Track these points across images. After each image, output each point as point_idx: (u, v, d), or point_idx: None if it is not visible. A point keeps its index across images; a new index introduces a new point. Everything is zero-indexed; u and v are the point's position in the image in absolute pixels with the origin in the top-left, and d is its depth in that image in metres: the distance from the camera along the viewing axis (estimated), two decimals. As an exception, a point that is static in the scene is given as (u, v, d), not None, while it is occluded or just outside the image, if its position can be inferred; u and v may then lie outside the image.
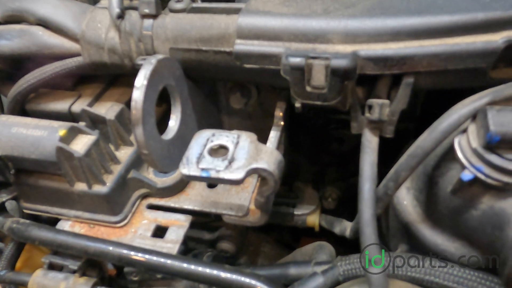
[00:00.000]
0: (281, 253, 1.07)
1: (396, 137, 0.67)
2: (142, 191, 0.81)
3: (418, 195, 0.69)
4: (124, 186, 0.78)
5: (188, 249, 0.97)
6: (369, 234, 0.57)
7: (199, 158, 0.61)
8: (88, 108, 0.79)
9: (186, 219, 0.79)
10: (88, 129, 0.75)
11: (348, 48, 0.61)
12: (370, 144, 0.65)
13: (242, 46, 0.66)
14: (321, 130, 0.95)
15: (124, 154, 0.80)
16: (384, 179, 0.63)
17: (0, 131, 0.74)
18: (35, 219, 0.84)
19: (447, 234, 0.65)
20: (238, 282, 0.65)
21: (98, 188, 0.75)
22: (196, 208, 0.80)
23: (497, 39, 0.57)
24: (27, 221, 0.79)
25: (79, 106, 0.81)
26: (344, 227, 0.84)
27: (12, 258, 0.84)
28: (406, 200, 0.71)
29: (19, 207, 0.86)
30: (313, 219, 0.97)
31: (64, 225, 0.80)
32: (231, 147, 0.63)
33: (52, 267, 0.78)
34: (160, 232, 0.78)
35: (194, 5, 0.72)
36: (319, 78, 0.61)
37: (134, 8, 0.74)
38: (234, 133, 0.65)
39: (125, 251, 0.70)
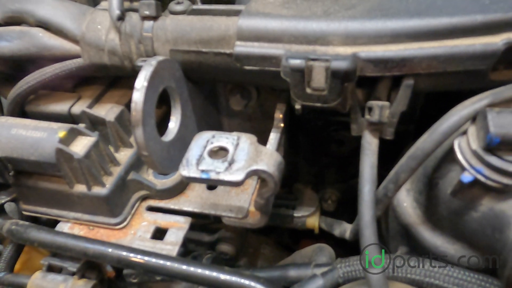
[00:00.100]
0: (280, 255, 1.07)
1: (396, 139, 0.67)
2: (142, 193, 0.81)
3: (418, 197, 0.69)
4: (124, 188, 0.78)
5: (187, 251, 0.97)
6: (369, 235, 0.57)
7: (199, 159, 0.61)
8: (88, 110, 0.79)
9: (185, 221, 0.79)
10: (88, 131, 0.75)
11: (348, 50, 0.61)
12: (370, 146, 0.65)
13: (242, 48, 0.66)
14: (320, 132, 0.95)
15: (124, 155, 0.80)
16: (384, 181, 0.63)
17: (-1, 133, 0.74)
18: (34, 221, 0.84)
19: (447, 236, 0.65)
20: (237, 284, 0.65)
21: (97, 190, 0.75)
22: (196, 210, 0.80)
23: (497, 41, 0.57)
24: (26, 223, 0.79)
25: (79, 107, 0.81)
26: (344, 229, 0.84)
27: (11, 260, 0.84)
28: (406, 202, 0.71)
29: (18, 209, 0.86)
30: (313, 221, 0.96)
31: (63, 227, 0.80)
32: (231, 148, 0.62)
33: (51, 269, 0.78)
34: (159, 234, 0.78)
35: (194, 7, 0.73)
36: (319, 80, 0.61)
37: (135, 10, 0.74)
38: (234, 135, 0.65)
39: (124, 253, 0.70)
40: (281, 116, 0.78)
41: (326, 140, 0.97)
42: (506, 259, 0.53)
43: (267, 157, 0.62)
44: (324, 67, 0.60)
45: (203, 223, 0.99)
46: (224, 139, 0.64)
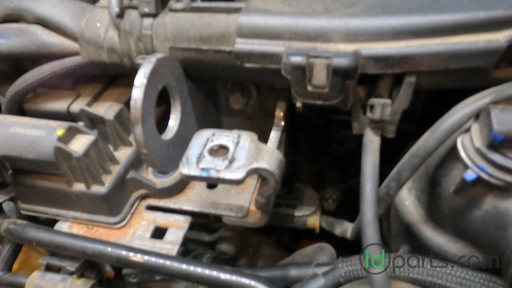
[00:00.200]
0: (281, 254, 1.07)
1: (397, 138, 0.66)
2: (141, 191, 0.81)
3: (420, 195, 0.69)
4: (123, 187, 0.78)
5: (187, 250, 0.97)
6: (371, 234, 0.57)
7: (199, 158, 0.61)
8: (87, 108, 0.78)
9: (185, 220, 0.78)
10: (87, 129, 0.74)
11: (349, 47, 0.61)
12: (371, 144, 0.64)
13: (242, 45, 0.66)
14: (321, 131, 0.95)
15: (123, 154, 0.80)
16: (386, 179, 0.63)
17: (-3, 131, 0.74)
18: (33, 220, 0.83)
19: (450, 234, 0.65)
20: (238, 283, 0.65)
21: (96, 189, 0.74)
22: (196, 209, 0.79)
23: (499, 38, 0.57)
24: (25, 222, 0.79)
25: (77, 106, 0.80)
26: (345, 228, 0.83)
27: (9, 260, 0.84)
28: (408, 201, 0.70)
29: (16, 208, 0.85)
30: (314, 220, 0.96)
31: (62, 226, 0.79)
32: (231, 146, 0.62)
33: (49, 268, 0.77)
34: (159, 233, 0.77)
35: (194, 4, 0.72)
36: (320, 77, 0.60)
37: (134, 7, 0.73)
38: (235, 133, 0.64)
39: (124, 253, 0.69)
40: (281, 114, 0.77)
41: (326, 139, 0.97)
42: (510, 258, 0.53)
43: (268, 155, 0.61)
44: (325, 64, 0.59)
45: (202, 223, 0.98)
46: (224, 137, 0.64)
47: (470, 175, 0.54)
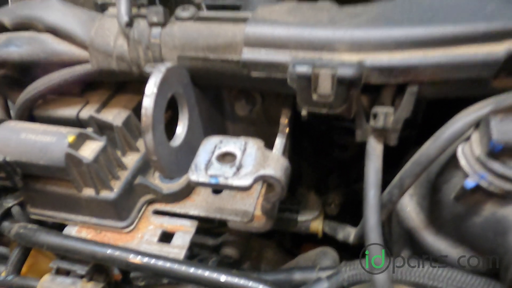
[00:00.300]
0: (283, 258, 1.08)
1: (398, 145, 0.68)
2: (148, 196, 0.82)
3: (422, 202, 0.70)
4: (131, 192, 0.79)
5: (192, 254, 0.98)
6: (374, 239, 0.58)
7: (208, 164, 0.62)
8: (95, 115, 0.80)
9: (192, 225, 0.80)
10: (96, 135, 0.76)
11: (353, 57, 0.62)
12: (374, 152, 0.66)
13: (249, 54, 0.67)
14: (324, 137, 0.96)
15: (131, 160, 0.81)
16: (389, 186, 0.64)
17: (9, 137, 0.75)
18: (41, 224, 0.84)
19: (450, 240, 0.66)
20: (245, 286, 0.66)
21: (105, 194, 0.76)
22: (202, 214, 0.81)
23: (499, 49, 0.58)
24: (35, 226, 0.80)
25: (86, 112, 0.82)
26: (348, 233, 0.85)
27: (18, 263, 0.85)
28: (410, 207, 0.72)
29: (24, 213, 0.86)
30: (317, 225, 0.97)
31: (71, 230, 0.81)
32: (238, 153, 0.64)
33: (59, 272, 0.78)
34: (166, 237, 0.78)
35: (201, 14, 0.74)
36: (325, 86, 0.62)
37: (143, 17, 0.75)
38: (241, 140, 0.66)
39: (133, 256, 0.71)
40: (286, 121, 0.79)
41: (329, 145, 0.98)
42: (509, 263, 0.54)
43: (274, 162, 0.63)
44: (331, 74, 0.61)
45: (207, 227, 1.00)
46: (231, 144, 0.65)
47: (470, 182, 0.56)
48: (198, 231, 0.81)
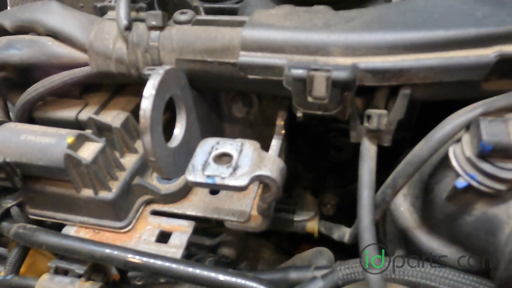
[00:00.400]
0: (280, 258, 1.09)
1: (393, 146, 0.69)
2: (146, 197, 0.83)
3: (415, 202, 0.72)
4: (129, 192, 0.80)
5: (189, 254, 0.99)
6: (368, 238, 0.59)
7: (205, 165, 0.63)
8: (94, 116, 0.81)
9: (189, 225, 0.80)
10: (95, 137, 0.77)
11: (348, 61, 0.64)
12: (368, 153, 0.67)
13: (246, 57, 0.68)
14: (320, 138, 0.97)
15: (129, 161, 0.82)
16: (382, 186, 0.65)
17: (9, 138, 0.76)
18: (39, 224, 0.85)
19: (443, 239, 0.67)
20: (242, 285, 0.67)
21: (104, 194, 0.76)
22: (199, 214, 0.82)
23: (489, 53, 0.60)
24: (34, 226, 0.81)
25: (86, 114, 0.83)
26: (343, 233, 0.86)
27: (17, 263, 0.85)
28: (403, 207, 0.73)
29: (22, 213, 0.87)
30: (313, 225, 0.99)
31: (69, 230, 0.81)
32: (235, 154, 0.65)
33: (58, 271, 0.79)
34: (163, 237, 0.79)
35: (199, 17, 0.75)
36: (320, 89, 0.63)
37: (141, 20, 0.76)
38: (238, 141, 0.67)
39: (131, 256, 0.72)
40: (282, 123, 0.80)
41: (325, 146, 1.00)
42: (498, 261, 0.56)
43: (270, 163, 0.64)
44: (325, 77, 0.62)
45: (204, 227, 1.01)
46: (228, 146, 0.66)
47: (461, 182, 0.57)
48: (196, 231, 0.82)
